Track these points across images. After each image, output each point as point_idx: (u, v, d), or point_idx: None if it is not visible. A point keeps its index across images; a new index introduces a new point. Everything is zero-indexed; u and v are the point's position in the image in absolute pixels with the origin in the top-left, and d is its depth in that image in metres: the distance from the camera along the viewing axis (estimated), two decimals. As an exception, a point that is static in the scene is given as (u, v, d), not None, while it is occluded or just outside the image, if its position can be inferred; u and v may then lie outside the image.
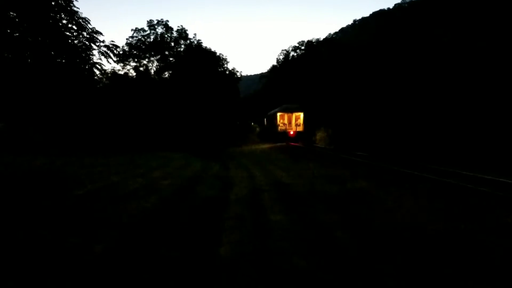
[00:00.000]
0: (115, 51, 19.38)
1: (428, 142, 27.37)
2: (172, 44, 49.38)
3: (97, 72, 20.26)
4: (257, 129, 58.49)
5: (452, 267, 4.89)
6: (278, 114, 42.39)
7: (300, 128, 41.63)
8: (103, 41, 18.25)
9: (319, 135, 43.03)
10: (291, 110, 42.20)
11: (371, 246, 5.77)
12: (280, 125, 41.83)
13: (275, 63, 75.15)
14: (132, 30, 48.23)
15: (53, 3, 15.57)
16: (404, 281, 4.44)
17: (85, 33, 16.89)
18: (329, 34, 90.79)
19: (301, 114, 42.00)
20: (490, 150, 22.19)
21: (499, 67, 25.68)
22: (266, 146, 40.24)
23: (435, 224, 6.95)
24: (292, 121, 41.86)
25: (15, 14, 14.88)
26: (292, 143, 38.43)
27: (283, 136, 41.09)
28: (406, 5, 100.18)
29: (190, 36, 51.01)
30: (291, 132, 41.32)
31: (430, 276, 4.63)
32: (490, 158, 20.71)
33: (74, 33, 16.55)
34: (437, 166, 17.34)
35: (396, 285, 4.34)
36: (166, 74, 49.09)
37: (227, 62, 56.14)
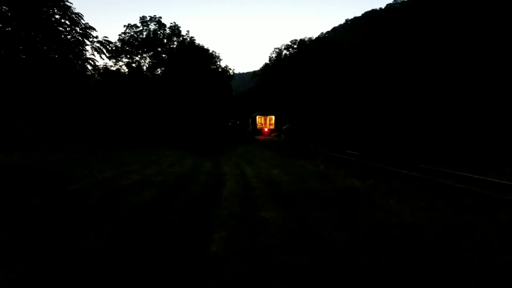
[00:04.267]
0: (108, 47, 19.41)
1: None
2: (165, 40, 49.02)
3: (90, 67, 20.25)
4: (250, 127, 61.86)
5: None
6: (257, 116, 59.17)
7: (272, 127, 57.62)
8: (96, 37, 18.24)
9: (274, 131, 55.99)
10: (266, 114, 58.77)
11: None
12: (259, 124, 58.68)
13: (267, 62, 74.96)
14: (124, 26, 47.68)
15: (46, -2, 15.52)
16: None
17: (78, 29, 16.88)
18: (322, 33, 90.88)
19: (273, 117, 58.16)
20: (478, 147, 22.58)
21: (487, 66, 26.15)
22: (254, 142, 45.39)
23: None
24: (267, 122, 58.51)
25: (7, 8, 14.81)
26: (267, 137, 52.85)
27: (260, 132, 57.24)
28: (398, 5, 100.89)
29: (183, 33, 50.69)
30: (266, 129, 57.45)
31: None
32: (477, 155, 21.07)
33: (67, 29, 16.52)
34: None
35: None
36: (159, 71, 48.76)
37: (220, 60, 55.96)
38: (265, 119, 58.52)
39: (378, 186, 11.75)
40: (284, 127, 52.19)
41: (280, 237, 6.06)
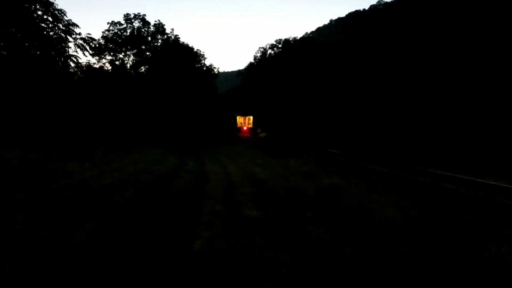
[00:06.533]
0: (91, 44, 19.22)
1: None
2: (149, 38, 48.68)
3: (72, 64, 20.02)
4: (232, 126, 64.86)
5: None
6: (238, 116, 67.14)
7: (250, 126, 65.53)
8: (79, 34, 18.04)
9: (260, 130, 64.16)
10: (245, 114, 66.84)
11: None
12: (239, 123, 66.50)
13: (252, 61, 75.14)
14: (108, 23, 47.10)
15: (28, -7, 15.28)
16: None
17: (61, 25, 16.66)
18: (306, 33, 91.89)
19: (251, 117, 65.84)
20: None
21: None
22: (237, 141, 50.02)
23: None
24: (246, 121, 66.22)
25: (-14, 4, 14.52)
26: (245, 135, 61.20)
27: (239, 130, 65.01)
28: (381, 6, 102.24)
29: (168, 31, 50.51)
30: (245, 128, 65.58)
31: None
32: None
33: (50, 25, 16.28)
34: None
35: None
36: (143, 69, 48.41)
37: (205, 58, 56.04)
38: (245, 119, 66.56)
39: (359, 184, 11.98)
40: (266, 126, 58.46)
41: (264, 236, 6.13)
